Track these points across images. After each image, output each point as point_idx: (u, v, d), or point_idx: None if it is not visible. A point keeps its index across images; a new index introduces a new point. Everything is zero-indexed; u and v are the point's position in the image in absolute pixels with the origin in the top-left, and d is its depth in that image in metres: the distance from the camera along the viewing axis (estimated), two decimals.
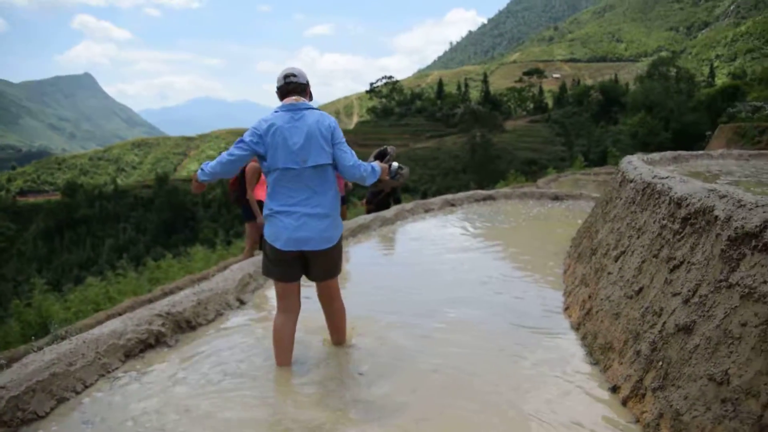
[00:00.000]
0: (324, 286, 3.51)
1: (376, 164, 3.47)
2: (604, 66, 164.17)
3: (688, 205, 2.88)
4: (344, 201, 8.02)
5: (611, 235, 4.29)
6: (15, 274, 41.42)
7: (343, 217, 7.96)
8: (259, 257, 5.90)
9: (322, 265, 3.39)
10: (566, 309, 4.45)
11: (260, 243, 7.49)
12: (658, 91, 52.22)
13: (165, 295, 8.12)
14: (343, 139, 3.33)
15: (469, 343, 3.87)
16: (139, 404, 2.98)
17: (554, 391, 3.08)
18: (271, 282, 5.37)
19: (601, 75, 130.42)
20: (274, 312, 3.47)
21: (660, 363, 2.54)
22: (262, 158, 3.26)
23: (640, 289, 3.13)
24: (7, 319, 11.37)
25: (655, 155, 7.14)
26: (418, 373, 3.39)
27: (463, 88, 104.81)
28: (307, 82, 3.43)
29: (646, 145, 36.75)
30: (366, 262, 6.45)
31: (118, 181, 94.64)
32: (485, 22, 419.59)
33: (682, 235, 2.86)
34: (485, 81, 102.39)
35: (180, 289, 8.22)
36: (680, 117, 42.82)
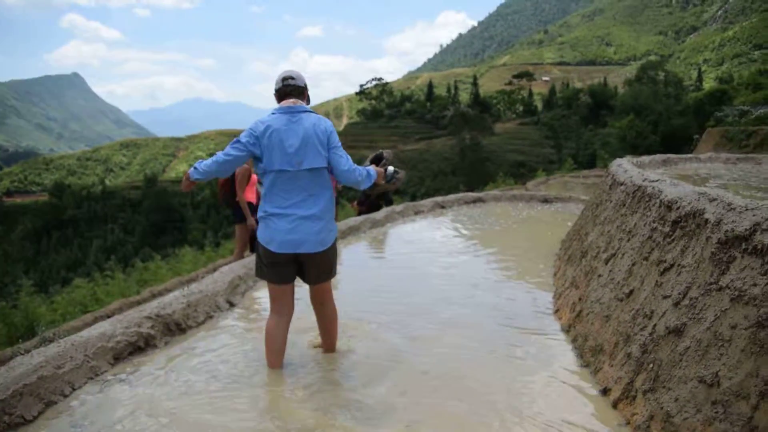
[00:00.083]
0: (317, 289, 3.49)
1: (372, 169, 3.47)
2: (594, 69, 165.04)
3: (678, 209, 2.90)
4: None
5: (601, 238, 4.31)
6: (1, 276, 41.03)
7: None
8: (248, 259, 5.88)
9: (317, 268, 3.38)
10: (556, 311, 4.47)
11: (250, 245, 7.47)
12: (646, 94, 52.57)
13: (154, 296, 8.07)
14: (339, 144, 3.33)
15: (460, 344, 3.87)
16: (128, 407, 2.96)
17: (545, 393, 3.09)
18: (261, 284, 5.37)
19: (590, 78, 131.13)
20: (265, 314, 3.45)
21: (651, 365, 2.55)
22: (257, 159, 3.25)
23: (631, 292, 3.14)
24: None
25: (645, 158, 7.19)
26: (409, 374, 3.38)
27: (452, 91, 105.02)
28: (305, 85, 3.43)
29: (634, 148, 36.93)
30: (356, 264, 6.45)
31: (107, 181, 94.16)
32: (475, 24, 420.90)
33: (672, 238, 2.88)
34: (475, 83, 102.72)
35: (169, 290, 8.18)
36: (668, 120, 43.07)
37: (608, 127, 53.82)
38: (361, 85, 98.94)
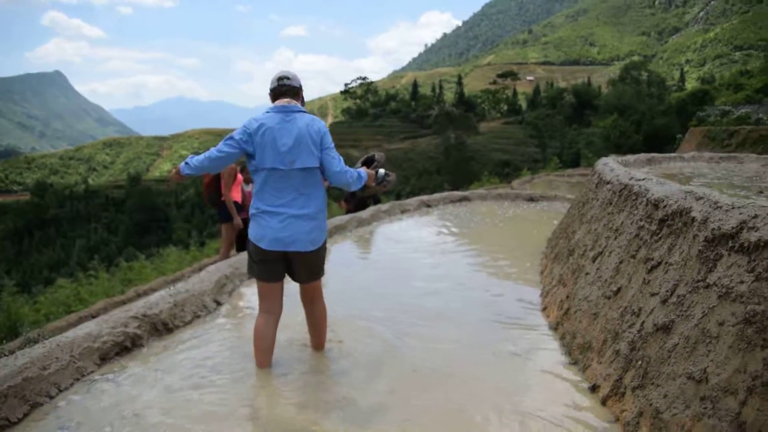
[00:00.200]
0: (307, 288, 3.51)
1: (363, 171, 3.50)
2: (578, 69, 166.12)
3: (665, 207, 2.93)
4: None
5: (588, 236, 4.34)
6: None
7: None
8: (235, 258, 5.86)
9: (307, 267, 3.39)
10: (544, 309, 4.49)
11: (237, 244, 7.44)
12: (630, 94, 52.93)
13: (139, 296, 8.01)
14: (332, 145, 3.34)
15: (449, 342, 3.88)
16: (116, 408, 2.93)
17: (534, 391, 3.10)
18: (248, 283, 5.35)
19: (574, 78, 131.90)
20: (252, 313, 3.44)
21: (639, 362, 2.57)
22: (250, 157, 3.26)
23: (618, 290, 3.16)
24: None
25: (630, 157, 7.25)
26: (398, 373, 3.38)
27: (437, 90, 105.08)
28: (300, 86, 3.44)
29: (618, 147, 37.22)
30: (344, 263, 6.44)
31: (90, 181, 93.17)
32: (460, 24, 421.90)
33: (659, 236, 2.91)
34: (460, 83, 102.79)
35: (154, 290, 8.12)
36: (651, 120, 43.42)
37: (592, 127, 54.15)
38: (346, 84, 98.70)
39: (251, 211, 3.31)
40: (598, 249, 3.90)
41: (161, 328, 4.00)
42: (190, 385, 3.20)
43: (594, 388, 2.96)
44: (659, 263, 2.78)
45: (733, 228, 2.22)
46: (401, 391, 3.13)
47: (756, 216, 2.14)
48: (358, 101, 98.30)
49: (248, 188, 7.41)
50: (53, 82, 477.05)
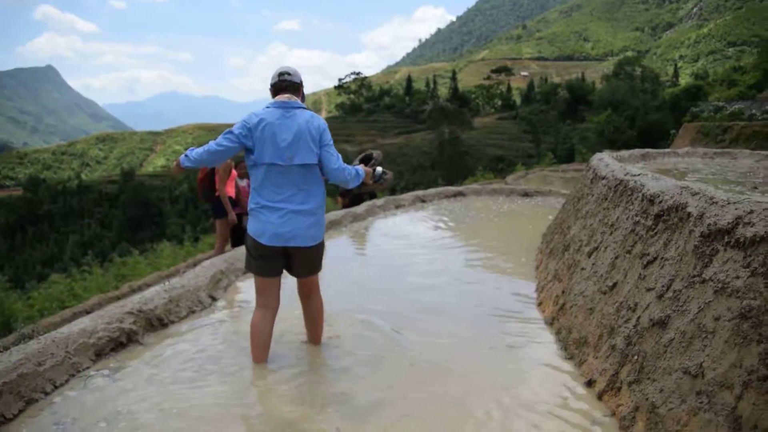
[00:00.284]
0: (305, 282, 3.53)
1: (361, 168, 3.52)
2: (572, 65, 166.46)
3: (661, 202, 2.93)
4: None
5: (584, 231, 4.35)
6: None
7: None
8: (230, 254, 5.84)
9: (306, 262, 3.41)
10: (539, 304, 4.50)
11: (232, 239, 7.43)
12: (623, 90, 53.02)
13: (133, 291, 8.00)
14: (331, 142, 3.36)
15: (445, 337, 3.88)
16: (111, 404, 2.92)
17: (529, 386, 3.11)
18: (243, 278, 5.34)
19: (568, 73, 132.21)
20: (247, 308, 3.43)
21: (635, 357, 2.58)
22: (249, 152, 3.27)
23: (614, 285, 3.17)
24: None
25: (624, 153, 7.26)
26: (396, 367, 3.39)
27: (431, 85, 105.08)
28: (301, 82, 3.45)
29: (612, 142, 37.34)
30: (339, 258, 6.43)
31: (83, 176, 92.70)
32: (454, 19, 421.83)
33: (655, 231, 2.91)
34: (454, 78, 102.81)
35: (148, 285, 8.11)
36: (645, 115, 43.52)
37: (586, 122, 54.24)
38: (340, 80, 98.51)
39: (250, 206, 3.31)
40: (593, 244, 3.91)
41: (156, 323, 3.99)
42: (186, 381, 3.19)
43: (590, 383, 2.97)
44: (655, 258, 2.79)
45: (729, 223, 2.22)
46: (399, 385, 3.14)
47: (752, 211, 2.15)
48: (352, 96, 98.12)
49: (242, 183, 7.40)
50: (45, 76, 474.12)
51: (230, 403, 2.95)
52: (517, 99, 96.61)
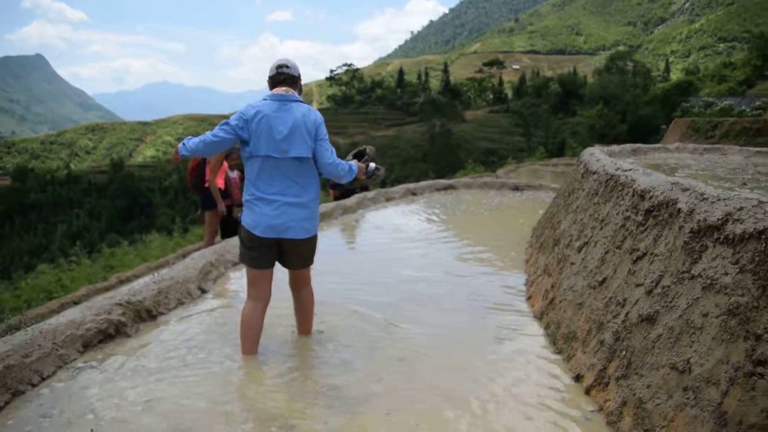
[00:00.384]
0: (297, 274, 3.55)
1: (354, 163, 3.55)
2: (563, 58, 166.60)
3: (651, 198, 2.94)
4: None
5: (574, 226, 4.35)
6: None
7: None
8: (220, 245, 5.82)
9: (299, 254, 3.43)
10: (529, 298, 4.51)
11: (221, 231, 7.39)
12: (615, 84, 53.05)
13: (122, 283, 7.96)
14: (326, 136, 3.37)
15: (435, 329, 3.89)
16: (99, 395, 2.90)
17: (518, 381, 3.11)
18: (233, 270, 5.32)
19: (560, 67, 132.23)
20: (237, 300, 3.43)
21: (623, 352, 2.59)
22: (244, 143, 3.28)
23: (604, 280, 3.18)
24: None
25: (615, 147, 7.27)
26: (386, 360, 3.39)
27: (423, 78, 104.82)
28: (299, 75, 3.46)
29: (603, 137, 37.38)
30: (330, 250, 6.42)
31: (72, 166, 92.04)
32: (446, 12, 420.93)
33: (645, 226, 2.92)
34: (446, 71, 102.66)
35: (137, 277, 8.08)
36: (636, 110, 43.55)
37: (577, 116, 54.29)
38: (332, 71, 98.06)
39: (245, 197, 3.33)
40: (583, 239, 3.92)
41: (145, 315, 3.98)
42: (174, 372, 3.18)
43: (578, 378, 2.98)
44: (645, 254, 2.79)
45: (718, 220, 2.23)
46: (388, 378, 3.14)
47: (741, 208, 2.16)
48: (343, 88, 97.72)
49: (233, 174, 7.37)
50: (34, 65, 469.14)
51: (219, 395, 2.94)
52: (509, 92, 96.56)
